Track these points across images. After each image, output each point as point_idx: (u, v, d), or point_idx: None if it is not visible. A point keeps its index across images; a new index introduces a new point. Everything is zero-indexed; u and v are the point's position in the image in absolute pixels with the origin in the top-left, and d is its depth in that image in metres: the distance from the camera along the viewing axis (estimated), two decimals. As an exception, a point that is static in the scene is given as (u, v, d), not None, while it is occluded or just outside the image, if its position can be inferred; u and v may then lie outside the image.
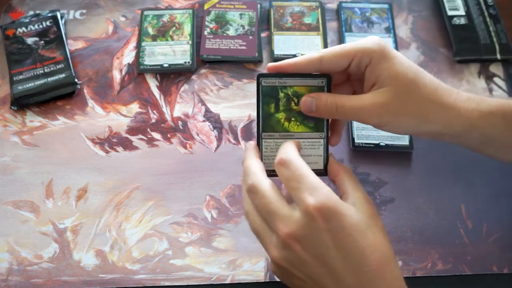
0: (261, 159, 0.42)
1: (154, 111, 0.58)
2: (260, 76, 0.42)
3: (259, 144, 0.43)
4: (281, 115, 0.43)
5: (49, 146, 0.56)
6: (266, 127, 0.43)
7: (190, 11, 0.65)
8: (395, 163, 0.54)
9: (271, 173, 0.41)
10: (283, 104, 0.43)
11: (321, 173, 0.43)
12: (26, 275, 0.48)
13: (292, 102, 0.43)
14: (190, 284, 0.48)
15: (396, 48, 0.62)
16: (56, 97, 0.59)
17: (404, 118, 0.41)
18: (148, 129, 0.57)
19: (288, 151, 0.39)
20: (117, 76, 0.61)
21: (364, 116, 0.41)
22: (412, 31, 0.65)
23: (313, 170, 0.39)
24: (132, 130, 0.57)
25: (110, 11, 0.67)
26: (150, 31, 0.64)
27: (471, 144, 0.44)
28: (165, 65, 0.61)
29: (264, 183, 0.39)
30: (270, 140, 0.43)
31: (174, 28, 0.64)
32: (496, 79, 0.61)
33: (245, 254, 0.49)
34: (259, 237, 0.40)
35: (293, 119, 0.43)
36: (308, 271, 0.37)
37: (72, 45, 0.64)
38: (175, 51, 0.62)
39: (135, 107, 0.59)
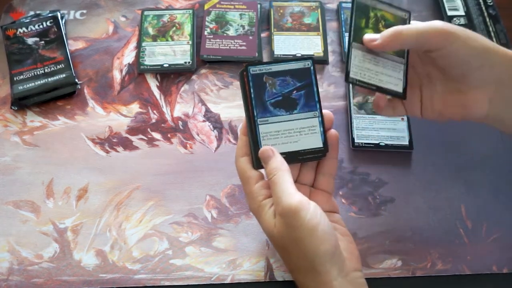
0: (349, 67, 0.44)
1: (154, 111, 0.59)
2: None
3: (348, 51, 0.44)
4: (369, 31, 0.45)
5: (49, 146, 0.56)
6: (356, 37, 0.45)
7: (190, 11, 0.66)
8: (395, 163, 0.54)
9: (355, 82, 0.44)
10: (372, 23, 0.46)
11: (400, 95, 0.46)
12: (27, 274, 0.48)
13: (380, 24, 0.46)
14: (190, 284, 0.48)
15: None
16: (57, 97, 0.59)
17: (474, 36, 0.42)
18: (148, 129, 0.57)
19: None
20: (117, 76, 0.61)
21: (434, 27, 0.42)
22: (412, 31, 0.65)
23: (392, 91, 0.45)
24: (132, 130, 0.57)
25: (110, 11, 0.67)
26: (150, 31, 0.64)
27: None
28: (165, 65, 0.61)
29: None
30: (359, 51, 0.45)
31: (174, 28, 0.64)
32: (496, 79, 0.61)
33: (245, 253, 0.49)
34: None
35: None
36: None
37: (73, 45, 0.64)
38: (175, 51, 0.62)
39: (135, 107, 0.59)
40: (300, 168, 0.46)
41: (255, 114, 0.44)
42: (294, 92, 0.45)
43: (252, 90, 0.44)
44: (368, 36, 0.44)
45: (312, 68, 0.45)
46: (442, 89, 0.46)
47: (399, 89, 0.46)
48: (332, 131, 0.45)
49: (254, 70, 0.45)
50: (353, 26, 0.45)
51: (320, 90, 0.46)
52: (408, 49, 0.46)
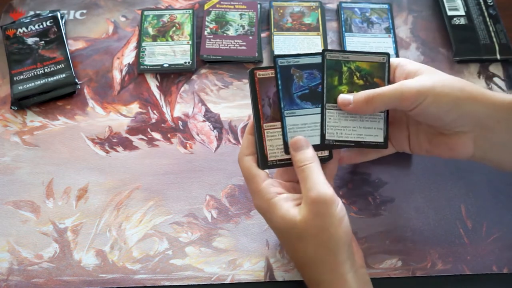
0: (325, 129, 0.44)
1: (154, 111, 0.59)
2: (325, 50, 0.45)
3: (322, 114, 0.44)
4: (344, 88, 0.45)
5: (49, 146, 0.56)
6: (329, 98, 0.45)
7: (190, 11, 0.65)
8: (395, 163, 0.54)
9: (331, 143, 0.44)
10: (346, 78, 0.45)
11: (381, 145, 0.45)
12: (27, 275, 0.48)
13: (355, 76, 0.45)
14: (190, 284, 0.48)
15: (396, 48, 0.62)
16: (57, 97, 0.59)
17: (445, 91, 0.41)
18: (148, 129, 0.57)
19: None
20: (117, 76, 0.61)
21: (402, 91, 0.42)
22: (412, 31, 0.65)
23: (372, 142, 0.44)
24: (132, 130, 0.57)
25: (110, 11, 0.67)
26: (150, 31, 0.64)
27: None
28: (165, 65, 0.61)
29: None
30: (334, 111, 0.45)
31: (174, 28, 0.64)
32: (496, 79, 0.61)
33: (245, 254, 0.49)
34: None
35: (355, 92, 0.45)
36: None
37: (72, 45, 0.64)
38: (175, 51, 0.62)
39: (135, 107, 0.59)
40: None
41: (282, 105, 0.44)
42: (320, 86, 0.45)
43: (280, 82, 0.44)
44: (342, 98, 0.44)
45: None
46: (427, 131, 0.46)
47: (380, 139, 0.45)
48: None
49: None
50: (325, 87, 0.45)
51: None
52: None
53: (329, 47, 0.63)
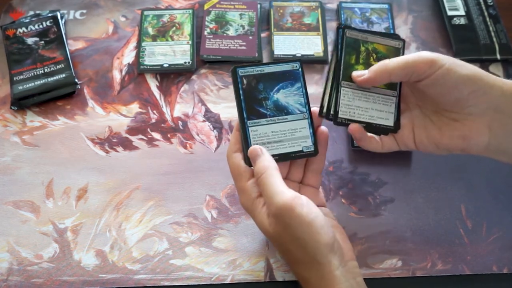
0: (337, 107, 0.44)
1: (154, 111, 0.59)
2: (346, 27, 0.45)
3: (333, 92, 0.45)
4: (360, 67, 0.45)
5: (49, 146, 0.56)
6: (345, 76, 0.45)
7: (190, 11, 0.65)
8: (395, 163, 0.54)
9: (343, 121, 0.44)
10: (363, 58, 0.45)
11: (391, 129, 0.46)
12: (26, 275, 0.48)
13: (371, 58, 0.45)
14: (190, 284, 0.48)
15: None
16: (56, 97, 0.59)
17: (464, 63, 0.42)
18: (148, 129, 0.57)
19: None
20: (117, 76, 0.61)
21: (419, 54, 0.42)
22: (412, 31, 0.65)
23: (383, 125, 0.45)
24: (132, 130, 0.57)
25: (110, 11, 0.67)
26: (150, 31, 0.64)
27: None
28: (165, 65, 0.61)
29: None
30: (348, 89, 0.45)
31: (174, 28, 0.64)
32: (496, 79, 0.61)
33: (245, 254, 0.49)
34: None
35: None
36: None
37: (72, 45, 0.64)
38: (175, 51, 0.62)
39: (135, 107, 0.59)
40: (289, 166, 0.47)
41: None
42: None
43: (343, 53, 0.45)
44: (356, 72, 0.44)
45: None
46: (437, 120, 0.45)
47: (390, 123, 0.45)
48: (322, 128, 0.45)
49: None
50: (343, 64, 0.45)
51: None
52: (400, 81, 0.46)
53: (329, 47, 0.63)
